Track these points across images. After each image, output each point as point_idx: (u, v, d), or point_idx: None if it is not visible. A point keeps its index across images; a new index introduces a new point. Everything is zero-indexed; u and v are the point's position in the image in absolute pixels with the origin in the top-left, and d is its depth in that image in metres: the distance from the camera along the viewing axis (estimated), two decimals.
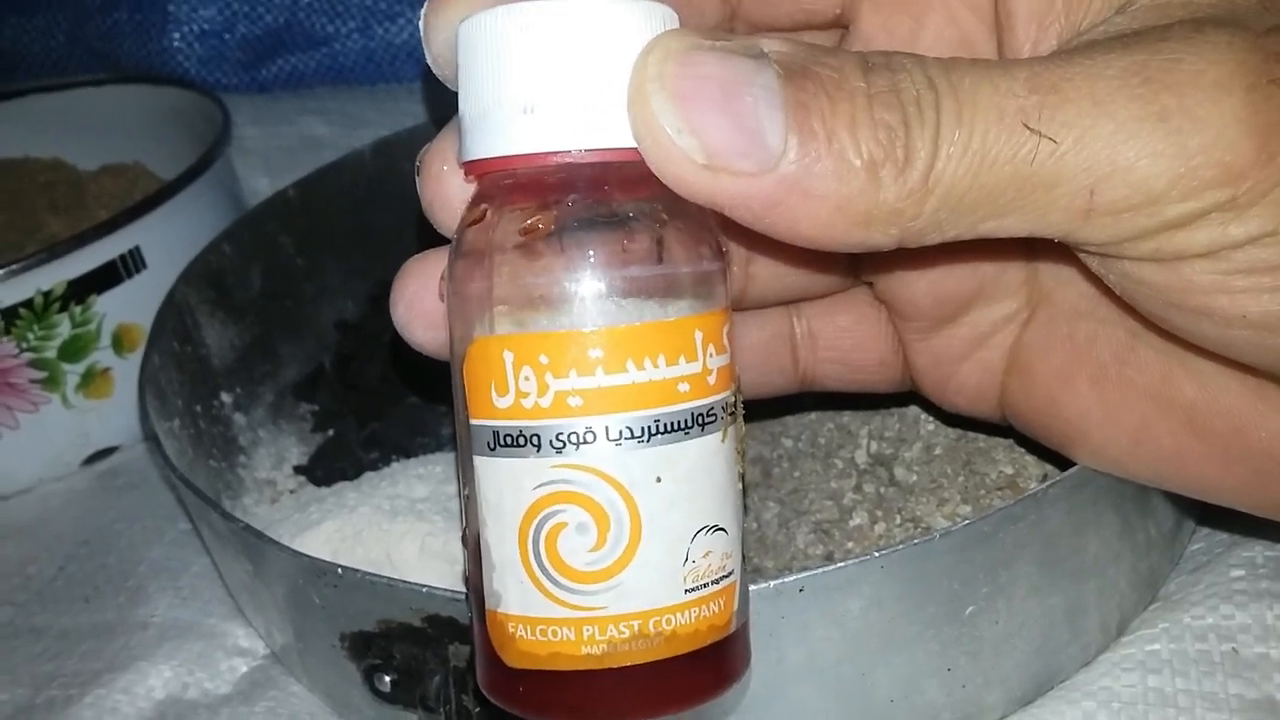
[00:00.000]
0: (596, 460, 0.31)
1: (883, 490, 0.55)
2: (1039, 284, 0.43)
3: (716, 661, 0.34)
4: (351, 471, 0.66)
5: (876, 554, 0.40)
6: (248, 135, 0.92)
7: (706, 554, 0.33)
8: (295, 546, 0.52)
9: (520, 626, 0.32)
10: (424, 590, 0.41)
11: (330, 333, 0.77)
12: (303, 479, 0.69)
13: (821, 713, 0.44)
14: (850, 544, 0.54)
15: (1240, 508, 0.41)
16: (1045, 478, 0.53)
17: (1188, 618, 0.51)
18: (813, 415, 0.60)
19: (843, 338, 0.49)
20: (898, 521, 0.54)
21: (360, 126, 0.92)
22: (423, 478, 0.59)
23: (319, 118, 0.94)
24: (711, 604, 0.33)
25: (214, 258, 0.69)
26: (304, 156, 0.91)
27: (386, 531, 0.54)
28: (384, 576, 0.43)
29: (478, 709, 0.42)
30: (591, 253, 0.32)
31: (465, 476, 0.34)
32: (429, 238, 0.81)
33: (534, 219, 0.33)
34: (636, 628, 0.32)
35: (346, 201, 0.78)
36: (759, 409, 0.57)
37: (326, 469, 0.68)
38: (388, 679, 0.44)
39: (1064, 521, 0.44)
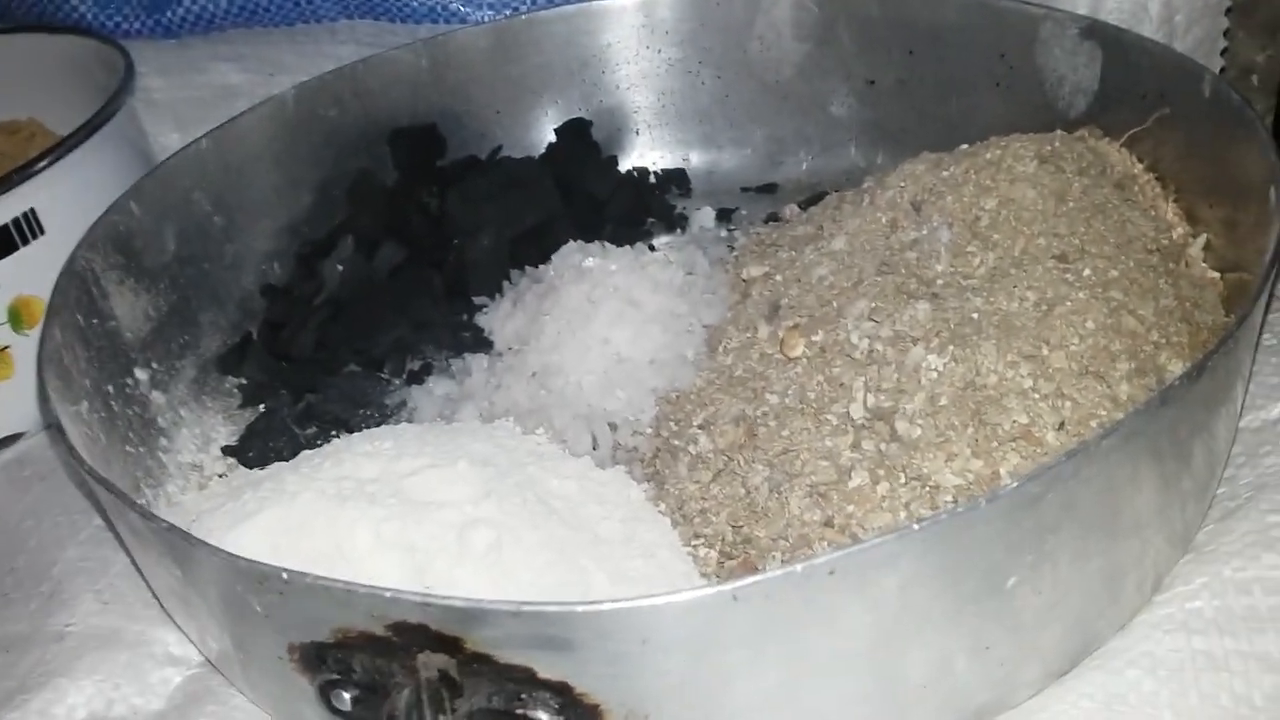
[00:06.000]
0: None
1: (883, 447, 0.50)
2: None
3: None
4: (287, 451, 0.61)
5: (915, 526, 0.35)
6: (154, 86, 0.85)
7: None
8: (230, 541, 0.46)
9: None
10: (388, 594, 0.36)
11: (255, 298, 0.71)
12: (232, 461, 0.63)
13: (847, 702, 0.40)
14: (851, 507, 0.49)
15: None
16: (1063, 425, 0.48)
17: (1228, 570, 0.47)
18: (798, 368, 0.55)
19: None
20: (902, 481, 0.49)
21: (279, 72, 0.85)
22: (370, 455, 0.53)
23: (232, 64, 0.87)
24: None
25: (120, 219, 0.63)
26: (217, 107, 0.85)
27: (334, 520, 0.48)
28: (339, 580, 0.37)
29: None
30: None
31: None
32: (359, 192, 0.75)
33: None
34: None
35: (266, 153, 0.72)
36: None
37: (259, 449, 0.63)
38: (347, 696, 0.39)
39: (1112, 477, 0.40)
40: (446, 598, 0.36)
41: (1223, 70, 0.78)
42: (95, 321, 0.59)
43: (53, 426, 0.49)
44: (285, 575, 0.37)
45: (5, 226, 0.63)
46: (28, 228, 0.64)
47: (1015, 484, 0.36)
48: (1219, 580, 0.47)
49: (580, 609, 0.35)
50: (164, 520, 0.41)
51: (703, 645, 0.37)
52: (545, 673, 0.37)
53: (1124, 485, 0.40)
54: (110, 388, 0.59)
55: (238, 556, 0.39)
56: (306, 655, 0.40)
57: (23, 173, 0.64)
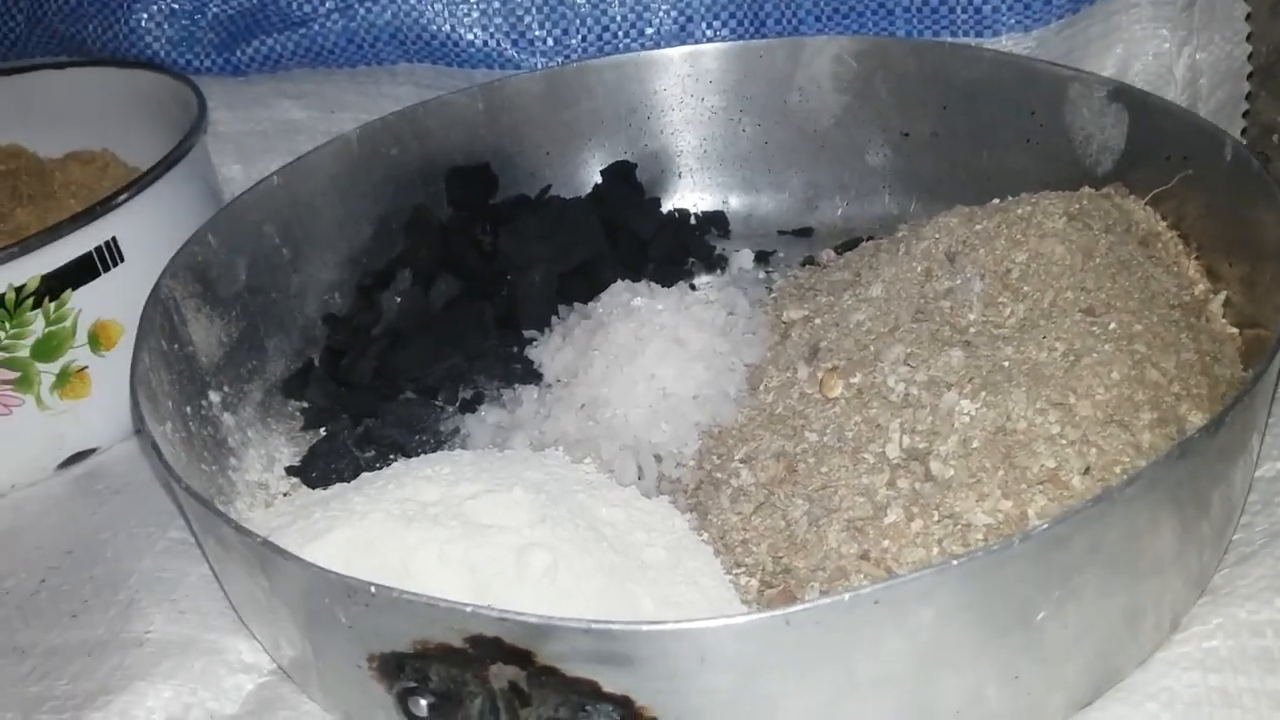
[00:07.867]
0: None
1: (918, 486, 0.53)
2: None
3: None
4: (348, 472, 0.63)
5: (954, 561, 0.38)
6: (220, 120, 0.88)
7: None
8: (306, 556, 0.49)
9: None
10: (468, 609, 0.38)
11: (318, 326, 0.74)
12: (295, 480, 0.66)
13: None
14: (886, 542, 0.51)
15: None
16: (1088, 470, 0.51)
17: (1243, 612, 0.49)
18: (837, 408, 0.58)
19: None
20: (935, 518, 0.51)
21: (339, 110, 0.88)
22: (431, 479, 0.56)
23: (296, 101, 0.90)
24: None
25: (199, 249, 0.66)
26: (279, 142, 0.89)
27: (402, 539, 0.50)
28: (423, 595, 0.40)
29: None
30: None
31: None
32: (417, 227, 0.78)
33: None
34: None
35: (332, 188, 0.75)
36: None
37: (321, 470, 0.65)
38: (424, 703, 0.41)
39: (1134, 521, 0.42)
40: (521, 614, 0.38)
41: (1244, 131, 0.81)
42: (176, 346, 0.62)
43: (148, 444, 0.52)
44: (373, 589, 0.40)
45: (89, 254, 0.66)
46: (109, 255, 0.67)
47: (1046, 525, 0.39)
48: (1234, 622, 0.48)
49: (644, 628, 0.38)
50: (258, 535, 0.44)
51: (755, 665, 0.39)
52: (609, 686, 0.39)
53: (1145, 530, 0.42)
54: (188, 409, 0.61)
55: (329, 570, 0.42)
56: (386, 664, 0.42)
57: (106, 204, 0.67)
